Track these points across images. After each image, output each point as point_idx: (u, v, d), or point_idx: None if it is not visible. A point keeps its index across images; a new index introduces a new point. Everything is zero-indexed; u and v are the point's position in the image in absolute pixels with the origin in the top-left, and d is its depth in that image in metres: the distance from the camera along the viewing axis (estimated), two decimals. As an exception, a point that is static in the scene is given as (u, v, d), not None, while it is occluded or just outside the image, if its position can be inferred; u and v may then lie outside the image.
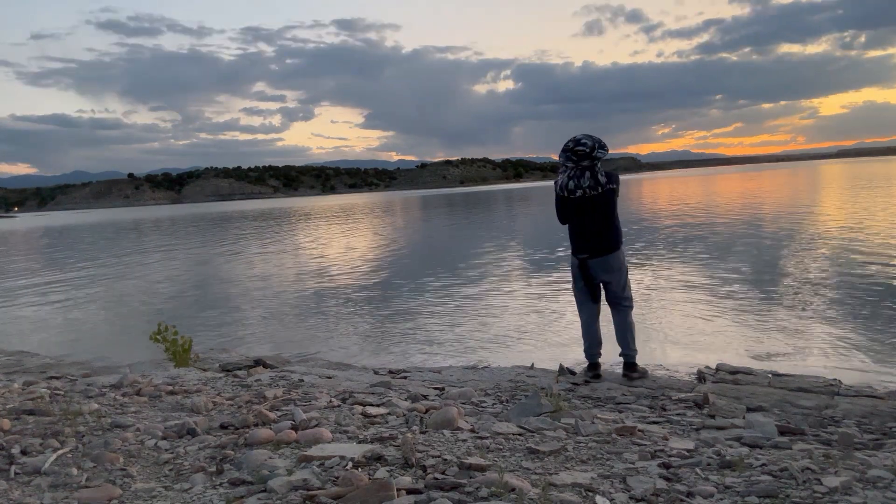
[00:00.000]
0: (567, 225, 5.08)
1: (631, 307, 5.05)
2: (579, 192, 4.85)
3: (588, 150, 4.77)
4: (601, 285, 5.04)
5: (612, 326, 5.10)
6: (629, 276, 5.11)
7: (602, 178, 4.81)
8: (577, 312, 5.27)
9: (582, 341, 5.22)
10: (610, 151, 4.92)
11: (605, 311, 5.18)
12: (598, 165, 4.88)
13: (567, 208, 4.97)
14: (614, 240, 4.91)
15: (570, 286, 5.37)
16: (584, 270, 4.98)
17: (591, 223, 4.90)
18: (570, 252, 5.16)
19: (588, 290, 5.04)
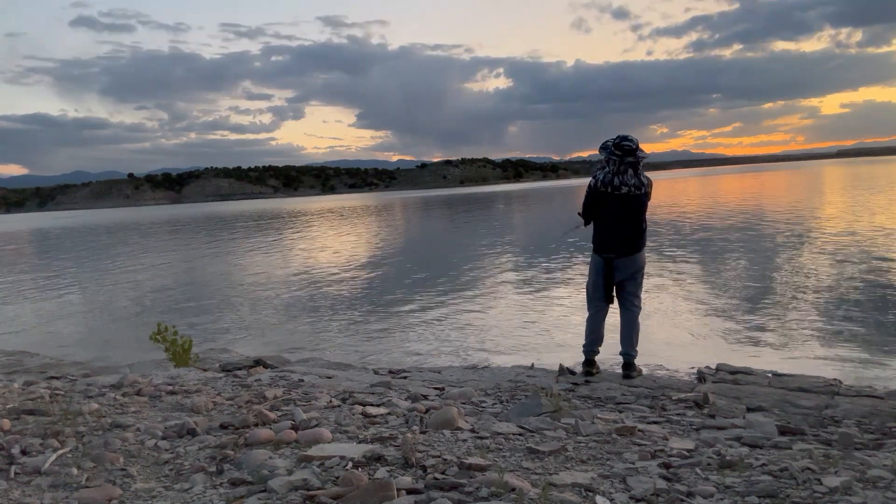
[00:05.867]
0: (594, 222, 5.02)
1: (640, 309, 5.05)
2: (625, 189, 4.81)
3: (633, 147, 4.77)
4: (616, 286, 5.03)
5: (611, 326, 5.11)
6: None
7: (644, 179, 4.85)
8: (580, 310, 5.27)
9: (584, 338, 5.21)
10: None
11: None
12: (641, 166, 4.88)
13: (604, 205, 4.88)
14: (643, 241, 4.94)
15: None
16: (609, 270, 4.93)
17: (626, 223, 4.86)
18: (591, 251, 5.09)
19: (605, 290, 5.00)
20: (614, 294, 5.06)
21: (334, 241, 26.90)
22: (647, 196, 4.89)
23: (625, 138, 4.78)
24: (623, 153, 4.77)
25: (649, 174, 5.00)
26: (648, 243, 5.06)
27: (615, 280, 4.97)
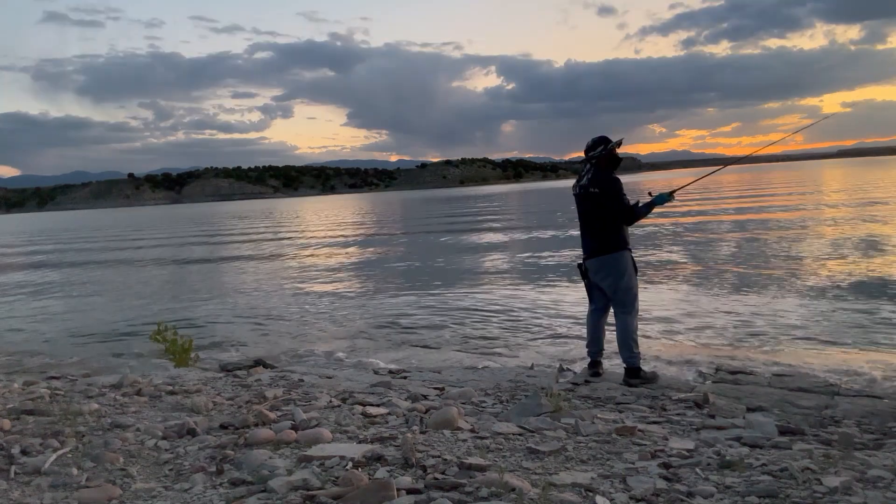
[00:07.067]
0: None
1: (629, 313, 4.84)
2: (578, 190, 4.89)
3: (588, 147, 4.85)
4: (602, 288, 4.99)
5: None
6: (634, 283, 4.88)
7: (602, 177, 4.76)
8: (582, 310, 5.26)
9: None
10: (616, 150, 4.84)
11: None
12: (602, 163, 4.83)
13: (576, 206, 5.01)
14: (611, 242, 4.81)
15: (573, 285, 5.37)
16: (583, 271, 4.99)
17: (584, 221, 4.94)
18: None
19: (589, 291, 5.04)
20: (604, 297, 5.05)
21: (333, 240, 26.92)
22: (600, 195, 4.73)
23: (589, 140, 4.93)
24: (585, 155, 4.90)
25: (648, 174, 4.99)
26: (650, 242, 5.03)
27: (592, 281, 4.98)
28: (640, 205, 4.84)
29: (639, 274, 4.98)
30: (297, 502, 2.37)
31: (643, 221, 4.92)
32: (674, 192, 4.94)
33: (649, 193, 4.96)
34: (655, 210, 4.97)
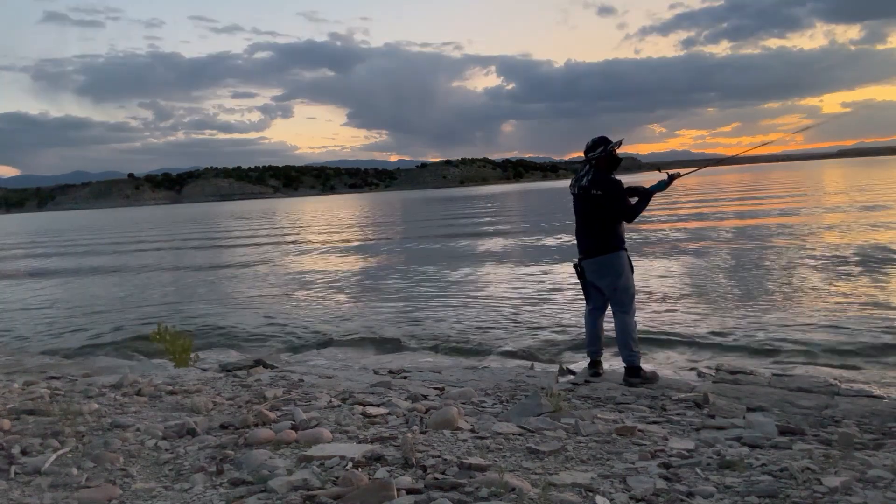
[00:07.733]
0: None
1: (627, 313, 4.86)
2: (576, 190, 4.88)
3: (588, 148, 4.83)
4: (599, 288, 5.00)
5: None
6: (631, 283, 4.90)
7: (600, 177, 4.74)
8: (581, 310, 5.26)
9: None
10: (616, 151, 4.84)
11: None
12: (599, 165, 4.83)
13: (574, 205, 5.01)
14: (608, 242, 4.81)
15: (573, 285, 5.35)
16: (580, 271, 5.00)
17: (582, 221, 4.94)
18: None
19: (586, 291, 5.04)
20: (602, 297, 5.04)
21: (332, 239, 26.92)
22: (602, 197, 4.72)
23: (589, 141, 4.92)
24: (584, 156, 4.90)
25: (648, 173, 4.97)
26: (651, 241, 5.02)
27: (588, 281, 4.98)
28: (640, 194, 4.90)
29: (634, 273, 4.99)
30: (297, 502, 2.37)
31: (647, 225, 4.96)
32: (672, 178, 4.98)
33: (658, 169, 5.04)
34: (657, 211, 5.00)
